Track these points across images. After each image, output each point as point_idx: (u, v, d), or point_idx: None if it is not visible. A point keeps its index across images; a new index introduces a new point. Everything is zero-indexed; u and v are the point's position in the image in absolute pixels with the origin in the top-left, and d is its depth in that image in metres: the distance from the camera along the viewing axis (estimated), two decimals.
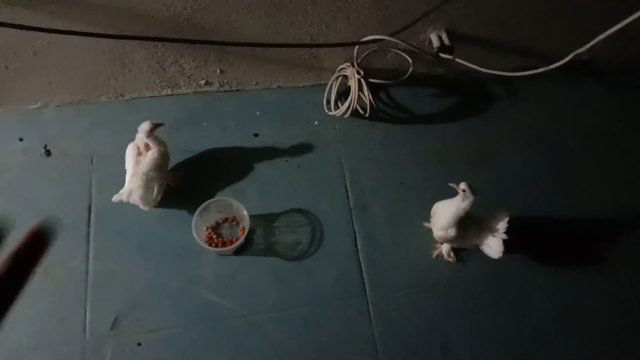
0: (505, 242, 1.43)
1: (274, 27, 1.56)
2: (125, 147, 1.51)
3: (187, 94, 1.78)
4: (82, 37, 1.33)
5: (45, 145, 1.65)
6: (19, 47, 1.50)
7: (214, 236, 1.53)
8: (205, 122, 1.74)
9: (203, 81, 1.74)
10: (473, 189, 1.40)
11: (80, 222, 1.54)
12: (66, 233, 1.52)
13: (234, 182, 1.64)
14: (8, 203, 1.56)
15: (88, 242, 1.51)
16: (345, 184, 1.67)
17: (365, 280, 1.53)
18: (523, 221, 1.50)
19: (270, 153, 1.70)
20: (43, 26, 1.29)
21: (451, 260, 1.57)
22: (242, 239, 1.48)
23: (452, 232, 1.44)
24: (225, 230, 1.56)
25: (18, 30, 1.28)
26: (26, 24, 1.28)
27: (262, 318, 1.46)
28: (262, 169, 1.67)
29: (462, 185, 1.41)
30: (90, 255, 1.49)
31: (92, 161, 1.63)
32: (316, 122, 1.77)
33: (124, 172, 1.50)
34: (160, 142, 1.50)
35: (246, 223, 1.49)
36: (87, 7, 1.38)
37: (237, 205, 1.51)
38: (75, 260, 1.49)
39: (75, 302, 1.43)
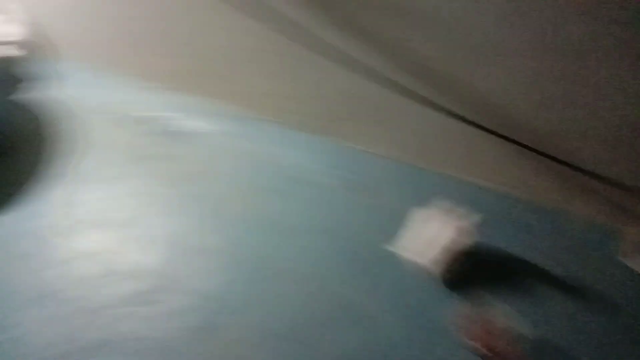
0: None
1: None
2: (434, 216, 1.57)
3: (517, 197, 1.77)
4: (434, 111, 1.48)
5: (362, 182, 1.83)
6: (371, 100, 1.72)
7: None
8: (520, 231, 1.72)
9: (542, 190, 1.72)
10: None
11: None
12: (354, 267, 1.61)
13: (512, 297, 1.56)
14: (310, 220, 1.73)
15: None
16: None
17: None
18: None
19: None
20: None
21: None
22: None
23: None
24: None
25: (380, 86, 1.54)
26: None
27: None
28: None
29: None
30: None
31: (396, 214, 1.69)
32: None
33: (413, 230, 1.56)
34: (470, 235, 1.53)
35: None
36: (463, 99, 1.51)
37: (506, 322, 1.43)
38: None
39: None
